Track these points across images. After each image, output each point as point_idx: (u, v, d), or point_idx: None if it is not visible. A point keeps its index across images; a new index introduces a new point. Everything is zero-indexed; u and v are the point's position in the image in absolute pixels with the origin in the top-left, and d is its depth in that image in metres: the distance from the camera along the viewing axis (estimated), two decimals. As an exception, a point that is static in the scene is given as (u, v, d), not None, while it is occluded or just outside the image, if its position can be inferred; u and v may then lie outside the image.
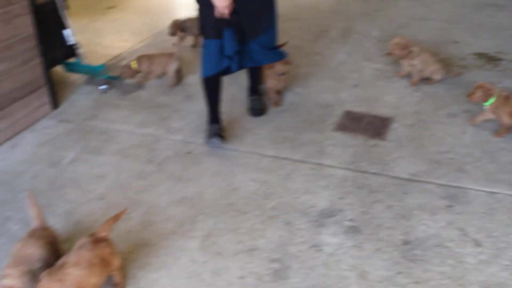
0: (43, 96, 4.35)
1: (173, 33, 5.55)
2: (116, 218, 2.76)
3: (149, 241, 3.13)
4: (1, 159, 3.92)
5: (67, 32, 4.64)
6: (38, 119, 4.34)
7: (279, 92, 4.63)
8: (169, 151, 3.98)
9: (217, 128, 3.99)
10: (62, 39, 4.66)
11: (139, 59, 4.82)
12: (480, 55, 5.36)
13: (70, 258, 2.55)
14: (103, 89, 4.72)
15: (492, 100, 3.91)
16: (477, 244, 3.04)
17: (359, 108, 4.48)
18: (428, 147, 3.93)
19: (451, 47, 5.52)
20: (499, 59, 5.25)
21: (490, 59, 5.26)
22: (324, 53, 5.54)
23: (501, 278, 2.82)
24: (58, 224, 3.15)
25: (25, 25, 4.06)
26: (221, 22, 3.60)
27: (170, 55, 4.84)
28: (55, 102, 4.49)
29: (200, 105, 4.55)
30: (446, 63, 4.99)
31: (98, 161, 3.88)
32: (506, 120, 3.90)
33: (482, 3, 6.89)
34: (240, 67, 3.91)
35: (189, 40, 5.73)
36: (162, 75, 4.93)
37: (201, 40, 3.94)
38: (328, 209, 3.35)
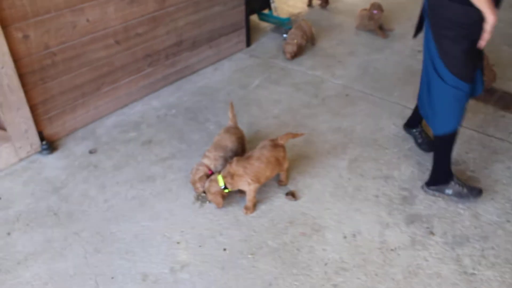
0: (241, 35, 4.50)
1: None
2: (294, 135, 2.85)
3: (308, 154, 3.20)
4: (206, 77, 4.15)
5: (266, -12, 4.71)
6: (235, 52, 4.51)
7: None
8: (331, 91, 3.97)
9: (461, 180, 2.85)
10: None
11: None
12: None
13: (255, 153, 2.70)
14: (286, 37, 4.76)
15: None
16: None
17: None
18: None
19: None
20: None
21: None
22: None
23: None
24: (243, 130, 3.31)
25: (239, -22, 4.17)
26: (478, 57, 2.51)
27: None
28: (248, 42, 4.62)
29: (358, 60, 4.47)
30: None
31: (277, 89, 3.98)
32: None
33: None
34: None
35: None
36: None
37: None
38: (455, 159, 3.18)
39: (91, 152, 3.20)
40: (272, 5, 4.83)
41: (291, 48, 4.31)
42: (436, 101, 2.60)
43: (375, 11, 4.88)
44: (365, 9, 4.99)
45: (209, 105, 3.74)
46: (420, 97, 2.87)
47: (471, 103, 3.71)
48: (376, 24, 4.91)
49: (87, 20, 3.14)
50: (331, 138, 3.38)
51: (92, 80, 3.36)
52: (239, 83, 4.07)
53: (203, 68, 4.25)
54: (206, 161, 2.80)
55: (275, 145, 2.74)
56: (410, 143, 3.33)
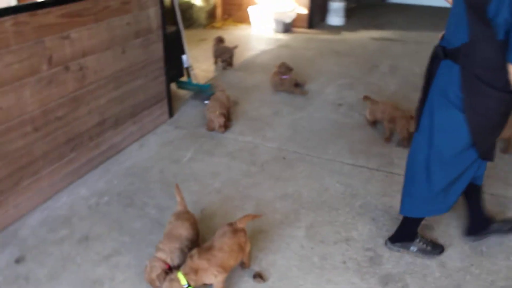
0: (164, 106, 4.30)
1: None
2: (253, 217, 2.68)
3: (262, 228, 3.03)
4: (132, 156, 3.85)
5: (184, 57, 4.58)
6: (159, 124, 4.28)
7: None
8: (267, 156, 3.87)
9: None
10: (180, 61, 4.60)
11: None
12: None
13: (216, 243, 2.47)
14: (207, 103, 4.63)
15: None
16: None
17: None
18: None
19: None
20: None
21: None
22: (378, 84, 5.39)
23: None
24: (189, 210, 3.07)
25: (158, 49, 4.01)
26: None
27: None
28: (171, 112, 4.43)
29: (285, 120, 4.47)
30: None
31: (212, 160, 3.79)
32: None
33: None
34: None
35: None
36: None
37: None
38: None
39: (17, 261, 2.73)
40: (191, 73, 4.71)
41: (219, 121, 4.12)
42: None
43: (284, 76, 4.93)
44: (276, 73, 5.01)
45: (143, 187, 3.44)
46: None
47: (402, 151, 3.83)
48: (290, 86, 4.96)
49: (0, 108, 2.76)
50: (280, 206, 3.25)
51: (10, 174, 2.92)
52: (170, 158, 3.82)
53: (128, 146, 3.95)
54: (161, 255, 2.49)
55: (235, 230, 2.54)
56: (358, 200, 3.30)
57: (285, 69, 4.94)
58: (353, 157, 3.83)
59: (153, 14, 3.85)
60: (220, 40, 5.75)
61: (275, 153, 3.91)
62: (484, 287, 2.60)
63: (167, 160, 3.80)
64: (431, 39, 7.16)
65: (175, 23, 4.40)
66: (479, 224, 2.89)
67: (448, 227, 3.05)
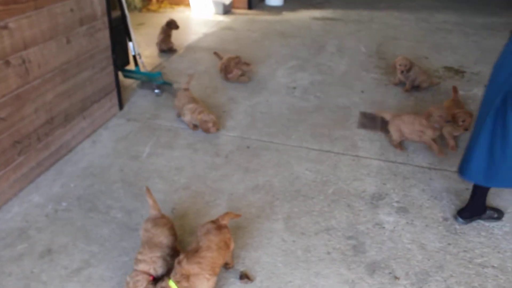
0: (113, 98, 4.00)
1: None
2: (235, 215, 2.52)
3: (240, 224, 2.89)
4: (86, 154, 3.55)
5: (131, 44, 4.27)
6: (109, 118, 3.99)
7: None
8: (231, 146, 3.71)
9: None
10: (126, 49, 4.28)
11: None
12: (448, 69, 5.32)
13: (202, 242, 2.30)
14: (157, 92, 4.38)
15: None
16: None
17: (370, 109, 4.34)
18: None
19: (424, 62, 5.44)
20: (463, 72, 5.23)
21: (457, 72, 5.23)
22: (328, 64, 5.36)
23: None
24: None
25: (104, 37, 3.70)
26: None
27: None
28: (121, 104, 4.13)
29: (242, 106, 4.32)
30: (429, 74, 4.90)
31: (173, 154, 3.58)
32: None
33: (435, 28, 6.89)
34: None
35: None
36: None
37: None
38: (377, 193, 3.21)
39: (-28, 286, 2.40)
40: (140, 61, 4.40)
41: (212, 119, 3.73)
42: None
43: (229, 75, 4.72)
44: (222, 69, 4.79)
45: (104, 189, 3.17)
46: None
47: (363, 133, 3.84)
48: (237, 77, 4.76)
49: None
50: (254, 199, 3.12)
51: (-49, 188, 2.56)
52: (127, 154, 3.56)
53: (80, 143, 3.63)
54: (143, 266, 2.29)
55: (219, 227, 2.38)
56: (330, 186, 3.25)
57: (234, 63, 4.70)
58: (317, 142, 3.77)
59: (97, -1, 3.52)
60: (170, 26, 5.39)
61: (238, 142, 3.76)
62: (464, 265, 2.64)
63: (125, 156, 3.53)
64: (370, 18, 7.28)
65: (120, 7, 4.07)
66: (477, 210, 2.94)
67: (421, 209, 3.07)
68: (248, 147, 3.70)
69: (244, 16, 7.22)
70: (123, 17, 4.10)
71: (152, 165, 3.43)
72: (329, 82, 4.88)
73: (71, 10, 3.27)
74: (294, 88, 4.74)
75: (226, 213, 2.47)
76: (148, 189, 2.58)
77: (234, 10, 7.34)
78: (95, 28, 3.54)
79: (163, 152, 3.59)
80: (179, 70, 5.03)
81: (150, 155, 3.55)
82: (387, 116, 3.82)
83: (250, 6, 7.48)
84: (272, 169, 3.43)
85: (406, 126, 3.65)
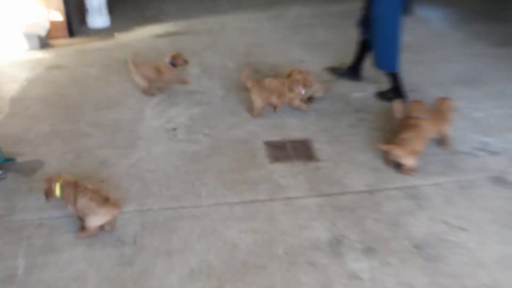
0: None
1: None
2: None
3: None
4: None
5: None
6: None
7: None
8: (132, 226, 3.30)
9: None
10: None
11: None
12: (331, 69, 5.54)
13: None
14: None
15: None
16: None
17: (274, 137, 4.29)
18: (358, 157, 3.99)
19: (302, 66, 5.55)
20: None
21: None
22: (200, 91, 5.18)
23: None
24: None
25: None
26: None
27: None
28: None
29: (123, 169, 3.89)
30: (321, 82, 5.04)
31: (62, 258, 3.04)
32: None
33: (296, 25, 7.17)
34: None
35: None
36: None
37: None
38: (333, 237, 3.19)
39: None
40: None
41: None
42: None
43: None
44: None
45: None
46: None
47: (280, 168, 3.74)
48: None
49: None
50: None
51: None
52: (-6, 276, 2.92)
53: None
54: None
55: None
56: (279, 246, 3.09)
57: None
58: (235, 193, 3.58)
59: None
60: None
61: (139, 218, 3.36)
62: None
63: (-7, 281, 2.89)
64: (219, 25, 7.27)
65: None
66: (354, 73, 5.22)
67: (386, 242, 3.07)
68: (156, 221, 3.33)
69: (69, 48, 6.61)
70: None
71: (39, 283, 2.86)
72: (212, 113, 4.71)
73: None
74: (174, 129, 4.45)
75: None
76: None
77: (52, 42, 6.70)
78: None
79: (47, 260, 3.03)
80: (15, 137, 4.34)
81: (30, 269, 2.96)
82: (249, 84, 4.41)
83: (71, 33, 6.91)
84: (199, 243, 3.14)
85: (269, 91, 4.36)
